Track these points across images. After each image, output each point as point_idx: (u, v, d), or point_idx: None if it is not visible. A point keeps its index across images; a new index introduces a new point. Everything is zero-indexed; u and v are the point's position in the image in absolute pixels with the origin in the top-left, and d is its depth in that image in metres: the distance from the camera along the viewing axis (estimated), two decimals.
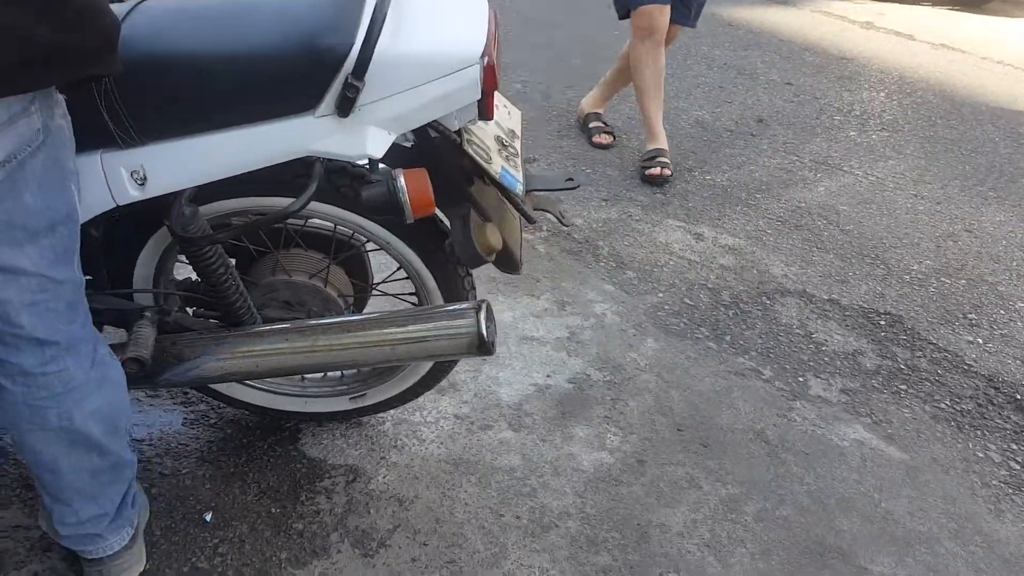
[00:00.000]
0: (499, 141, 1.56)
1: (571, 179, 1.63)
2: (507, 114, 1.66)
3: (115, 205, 1.40)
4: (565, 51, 4.78)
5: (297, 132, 1.36)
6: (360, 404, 1.91)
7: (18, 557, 1.59)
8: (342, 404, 1.92)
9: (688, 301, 2.63)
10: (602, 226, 3.01)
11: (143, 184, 1.38)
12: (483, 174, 1.47)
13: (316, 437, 1.94)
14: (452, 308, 1.57)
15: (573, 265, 2.75)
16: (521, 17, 5.30)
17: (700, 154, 3.67)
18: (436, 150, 1.46)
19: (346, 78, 1.28)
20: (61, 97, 1.22)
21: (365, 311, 1.92)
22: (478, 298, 1.78)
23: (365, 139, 1.36)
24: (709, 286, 2.71)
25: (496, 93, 1.70)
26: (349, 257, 1.78)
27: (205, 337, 1.59)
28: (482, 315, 1.53)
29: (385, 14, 1.28)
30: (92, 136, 1.33)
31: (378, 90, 1.34)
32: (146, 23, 1.34)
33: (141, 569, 1.57)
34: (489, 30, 1.39)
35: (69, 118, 1.27)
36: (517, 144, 1.62)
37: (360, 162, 1.48)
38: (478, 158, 1.45)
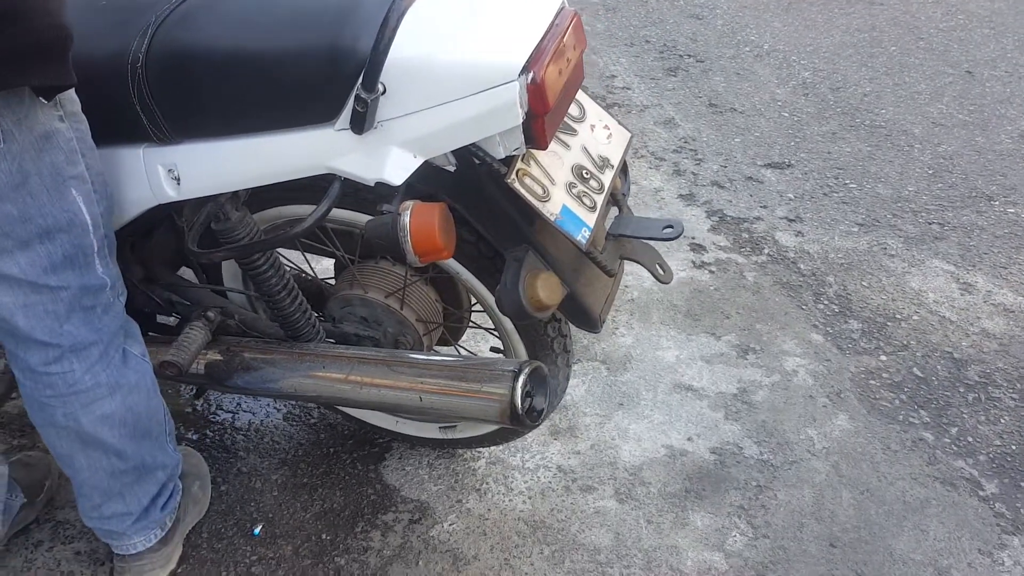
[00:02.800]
0: (578, 172, 1.26)
1: (670, 226, 1.29)
2: (605, 137, 1.34)
3: (157, 203, 1.33)
4: (883, 36, 4.08)
5: (317, 145, 1.19)
6: (451, 436, 1.73)
7: (73, 530, 1.63)
8: (432, 432, 1.75)
9: (918, 372, 2.08)
10: (842, 258, 2.49)
11: (179, 184, 1.30)
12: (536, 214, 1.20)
13: (402, 460, 1.79)
14: (492, 366, 1.31)
15: (782, 303, 2.30)
16: None
17: (1010, 178, 2.92)
18: (479, 179, 1.21)
19: (356, 89, 1.09)
20: (62, 98, 1.14)
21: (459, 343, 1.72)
22: (567, 349, 1.52)
23: (384, 161, 1.15)
24: (956, 356, 2.13)
25: (597, 109, 1.39)
26: (441, 278, 1.58)
27: (246, 348, 1.49)
28: (520, 381, 1.26)
29: (402, 13, 1.05)
30: (133, 130, 1.27)
31: (399, 106, 1.12)
32: (179, 16, 1.23)
33: (166, 573, 1.53)
34: (545, 39, 1.10)
35: (80, 119, 1.19)
36: (607, 176, 1.30)
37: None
38: (527, 195, 1.18)
